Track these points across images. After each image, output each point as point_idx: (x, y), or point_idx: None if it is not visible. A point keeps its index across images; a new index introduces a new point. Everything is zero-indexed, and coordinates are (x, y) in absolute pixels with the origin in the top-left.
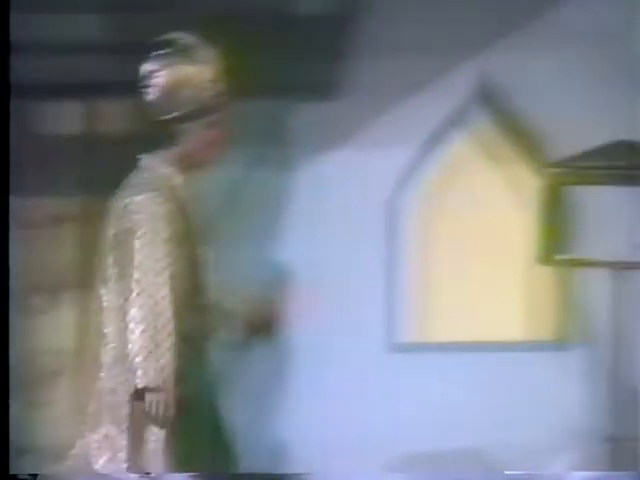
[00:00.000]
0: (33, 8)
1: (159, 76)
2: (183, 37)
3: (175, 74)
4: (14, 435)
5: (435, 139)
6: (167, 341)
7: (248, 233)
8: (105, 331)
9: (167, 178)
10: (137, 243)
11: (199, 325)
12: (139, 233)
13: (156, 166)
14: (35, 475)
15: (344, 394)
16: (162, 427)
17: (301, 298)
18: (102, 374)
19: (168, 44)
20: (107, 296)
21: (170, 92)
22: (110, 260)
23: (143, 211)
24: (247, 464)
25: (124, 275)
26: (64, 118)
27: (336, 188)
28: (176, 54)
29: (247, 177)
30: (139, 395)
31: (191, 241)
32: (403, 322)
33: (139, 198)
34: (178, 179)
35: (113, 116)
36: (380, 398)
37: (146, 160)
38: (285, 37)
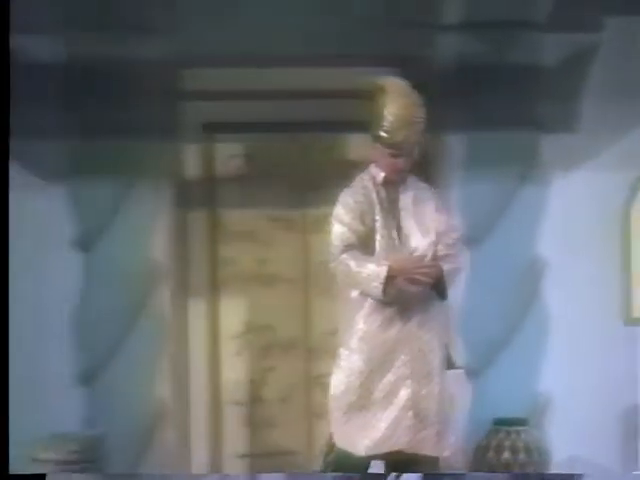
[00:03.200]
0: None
1: (380, 104)
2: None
3: (383, 107)
4: None
5: None
6: None
7: None
8: None
9: (370, 181)
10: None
11: None
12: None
13: (370, 173)
14: (43, 475)
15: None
16: None
17: None
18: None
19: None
20: None
21: (375, 120)
22: None
23: (338, 200)
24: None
25: None
26: None
27: (581, 200)
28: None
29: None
30: None
31: (376, 229)
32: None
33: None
34: (375, 186)
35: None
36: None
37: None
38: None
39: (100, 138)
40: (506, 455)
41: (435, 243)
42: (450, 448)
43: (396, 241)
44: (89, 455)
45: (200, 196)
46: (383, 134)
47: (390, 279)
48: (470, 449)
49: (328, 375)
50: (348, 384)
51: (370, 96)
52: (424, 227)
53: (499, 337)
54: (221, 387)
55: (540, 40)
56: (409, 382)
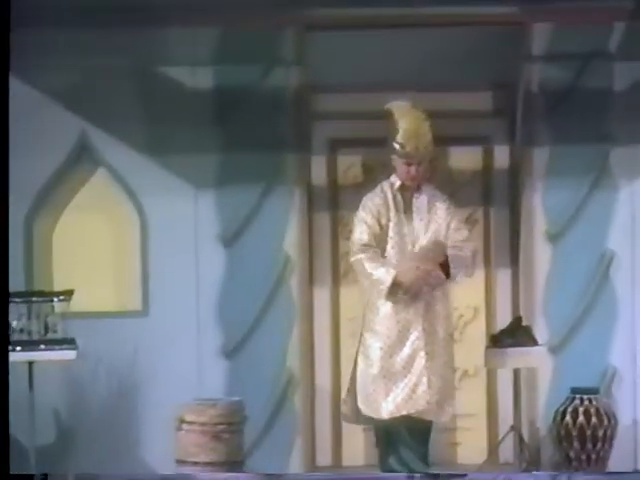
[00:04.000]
0: None
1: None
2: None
3: (395, 126)
4: None
5: None
6: None
7: None
8: None
9: (388, 187)
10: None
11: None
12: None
13: (390, 180)
14: (46, 475)
15: None
16: None
17: None
18: None
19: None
20: None
21: (391, 136)
22: None
23: (361, 203)
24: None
25: None
26: None
27: None
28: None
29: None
30: None
31: (390, 226)
32: None
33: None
34: (392, 191)
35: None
36: None
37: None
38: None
39: (243, 151)
40: (581, 419)
41: (445, 239)
42: (447, 416)
43: (407, 237)
44: (230, 418)
45: (325, 200)
46: (396, 145)
47: (395, 285)
48: (550, 414)
49: None
50: (372, 360)
51: (386, 118)
52: (435, 227)
53: (575, 318)
54: (341, 361)
55: (611, 68)
56: (422, 353)
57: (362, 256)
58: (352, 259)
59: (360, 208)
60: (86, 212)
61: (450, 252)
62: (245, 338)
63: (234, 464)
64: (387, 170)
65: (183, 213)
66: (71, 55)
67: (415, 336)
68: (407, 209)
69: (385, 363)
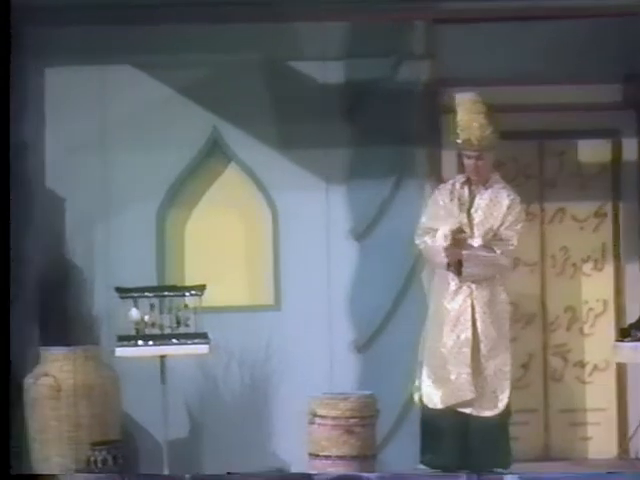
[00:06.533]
0: None
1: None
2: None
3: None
4: None
5: None
6: None
7: None
8: None
9: (453, 184)
10: None
11: None
12: None
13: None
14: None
15: None
16: None
17: None
18: None
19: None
20: None
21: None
22: None
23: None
24: None
25: None
26: None
27: None
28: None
29: None
30: None
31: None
32: None
33: None
34: (459, 185)
35: None
36: None
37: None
38: None
39: (374, 145)
40: None
41: (492, 234)
42: (492, 411)
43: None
44: (362, 412)
45: None
46: (454, 136)
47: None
48: None
49: (563, 345)
50: (429, 349)
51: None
52: (489, 222)
53: None
54: None
55: None
56: (468, 343)
57: (426, 238)
58: (417, 241)
59: (431, 196)
60: (218, 207)
61: (467, 252)
62: (377, 332)
63: (366, 458)
64: (517, 164)
65: (314, 207)
66: (201, 51)
67: (463, 327)
68: (470, 203)
69: (439, 353)
